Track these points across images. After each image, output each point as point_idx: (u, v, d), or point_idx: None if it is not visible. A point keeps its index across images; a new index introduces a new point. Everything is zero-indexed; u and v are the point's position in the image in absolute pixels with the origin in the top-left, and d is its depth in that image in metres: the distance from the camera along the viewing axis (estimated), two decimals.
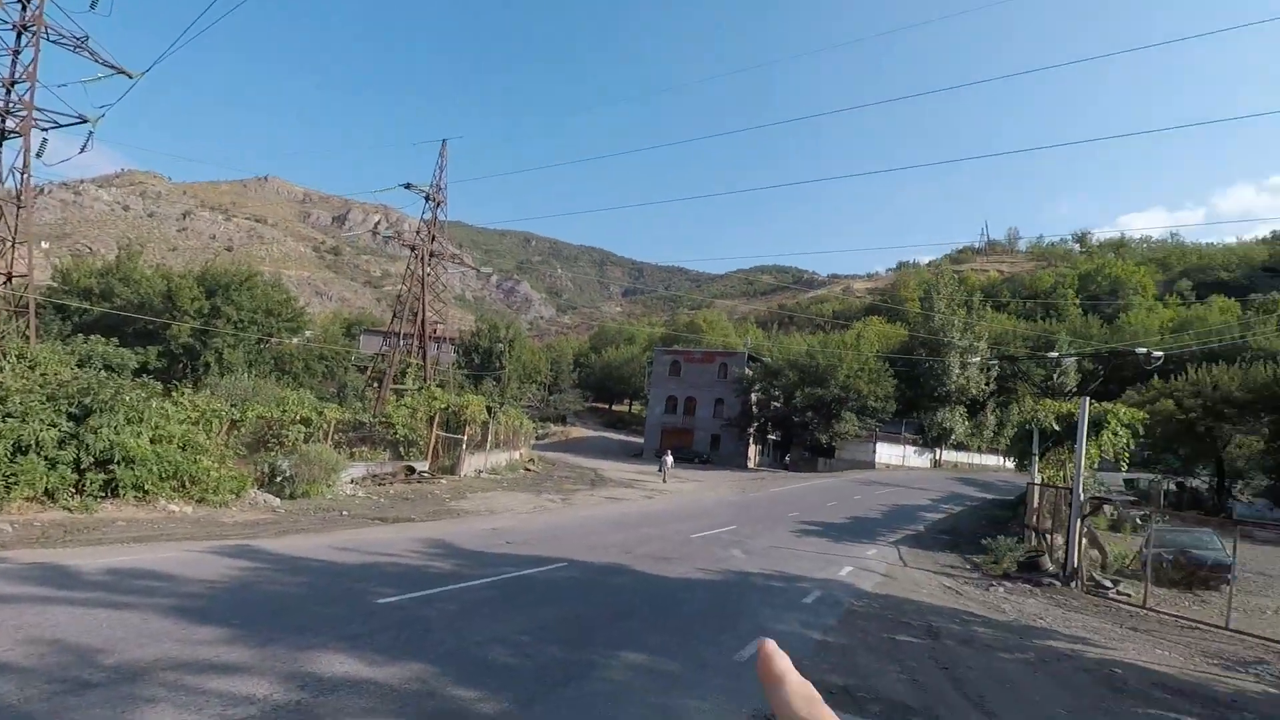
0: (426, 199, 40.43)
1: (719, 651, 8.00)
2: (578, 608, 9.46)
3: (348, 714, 5.29)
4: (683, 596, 11.11)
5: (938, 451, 66.29)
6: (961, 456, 67.77)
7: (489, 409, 31.87)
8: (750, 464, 58.57)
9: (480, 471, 30.24)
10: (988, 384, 67.33)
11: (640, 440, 65.83)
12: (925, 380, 64.97)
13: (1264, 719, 8.26)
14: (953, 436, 65.16)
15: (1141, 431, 22.11)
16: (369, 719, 5.27)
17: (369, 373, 42.88)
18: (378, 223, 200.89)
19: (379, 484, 23.07)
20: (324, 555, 11.64)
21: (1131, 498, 38.78)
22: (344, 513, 17.28)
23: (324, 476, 19.61)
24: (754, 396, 59.33)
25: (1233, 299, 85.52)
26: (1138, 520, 25.28)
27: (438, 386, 37.34)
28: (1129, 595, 16.32)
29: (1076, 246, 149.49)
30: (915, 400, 65.34)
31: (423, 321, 39.72)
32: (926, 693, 7.44)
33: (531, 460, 39.01)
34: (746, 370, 60.47)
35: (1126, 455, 21.69)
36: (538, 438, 62.45)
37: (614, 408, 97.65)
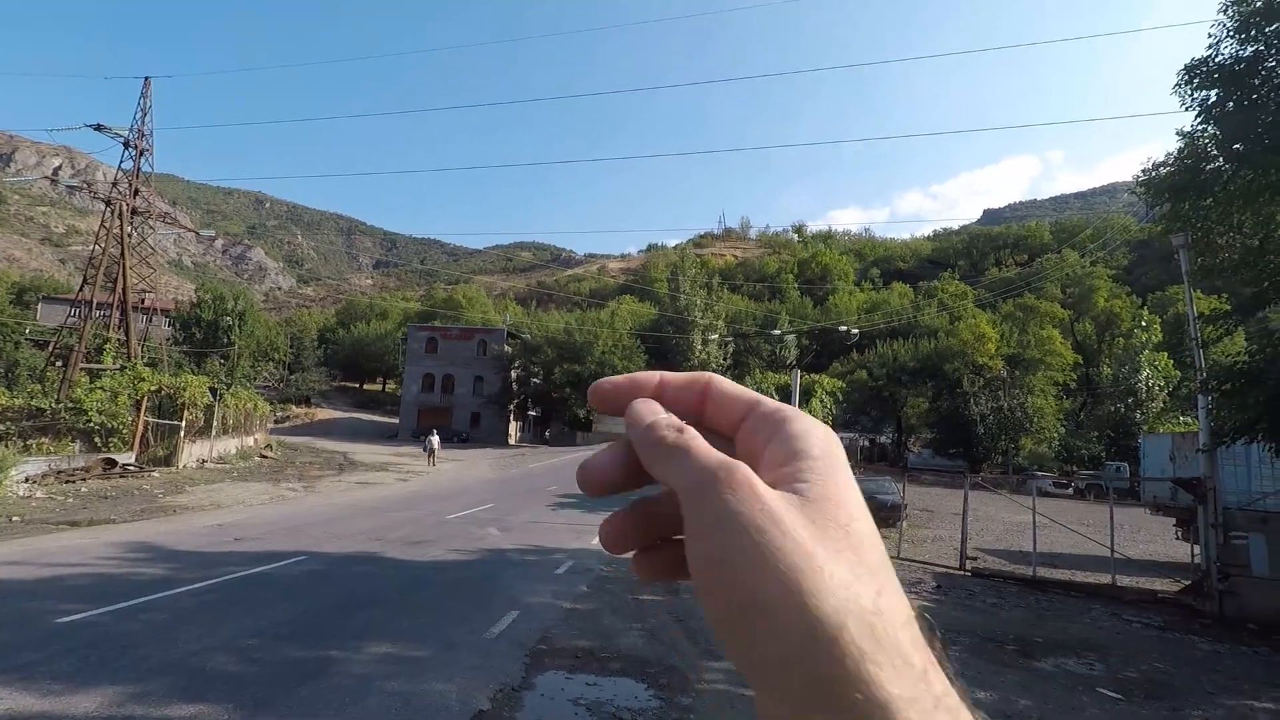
0: (126, 145, 34.16)
1: (469, 630, 7.98)
2: (317, 602, 8.81)
3: None
4: (435, 579, 10.86)
5: None
6: None
7: (214, 390, 28.13)
8: (511, 441, 58.64)
9: (204, 461, 26.70)
10: (725, 359, 74.29)
11: (395, 421, 62.67)
12: (673, 356, 69.88)
13: None
14: None
15: (841, 398, 26.17)
16: None
17: (51, 349, 35.30)
18: (58, 169, 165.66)
19: (66, 481, 19.33)
20: None
21: None
22: (14, 518, 14.24)
23: None
24: (514, 373, 59.35)
25: (908, 285, 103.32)
26: None
27: (147, 365, 31.99)
28: None
29: (795, 236, 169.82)
30: None
31: (124, 289, 33.47)
32: (663, 645, 8.12)
33: (269, 446, 35.26)
34: (506, 347, 60.21)
35: (831, 418, 25.54)
36: (277, 421, 56.57)
37: (366, 387, 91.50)
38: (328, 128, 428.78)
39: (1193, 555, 14.09)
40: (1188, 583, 13.33)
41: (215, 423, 27.95)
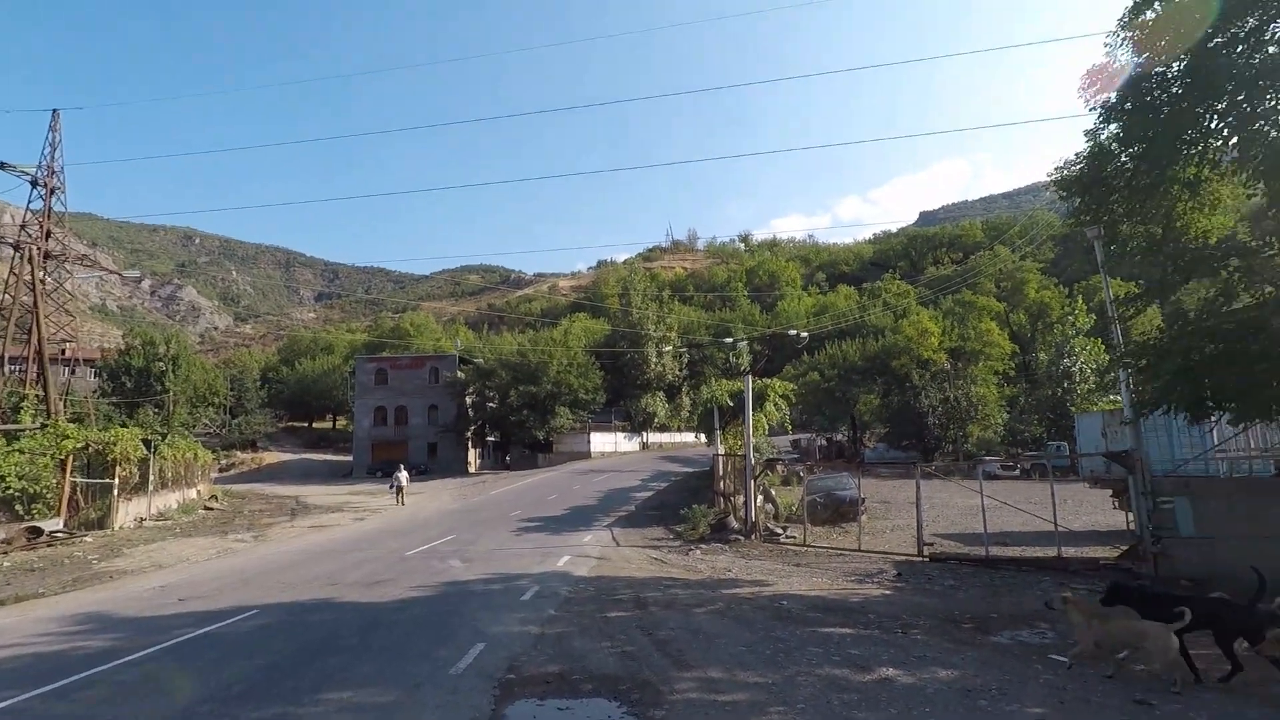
0: (34, 184, 32.78)
1: (434, 668, 7.89)
2: (271, 657, 8.55)
3: None
4: (396, 619, 10.68)
5: (645, 435, 71.99)
6: (665, 437, 74.45)
7: (148, 442, 26.95)
8: (471, 468, 57.80)
9: (143, 520, 25.60)
10: (681, 370, 74.88)
11: (349, 459, 61.16)
12: (628, 370, 70.13)
13: (880, 616, 10.53)
14: (656, 419, 71.37)
15: (794, 400, 26.72)
16: None
17: None
18: None
19: None
20: None
21: (795, 455, 46.25)
22: None
23: None
24: (469, 399, 58.64)
25: (852, 287, 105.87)
26: (799, 474, 30.12)
27: (71, 421, 30.55)
28: (794, 537, 19.48)
29: (742, 245, 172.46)
30: (621, 389, 70.22)
31: (40, 340, 31.85)
32: (634, 660, 8.17)
33: (214, 497, 34.02)
34: (459, 373, 59.49)
35: (788, 420, 26.04)
36: (221, 469, 54.60)
37: (315, 425, 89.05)
38: (258, 157, 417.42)
39: (1128, 523, 14.79)
40: (1125, 548, 13.97)
41: (152, 477, 26.78)
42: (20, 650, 9.31)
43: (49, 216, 33.30)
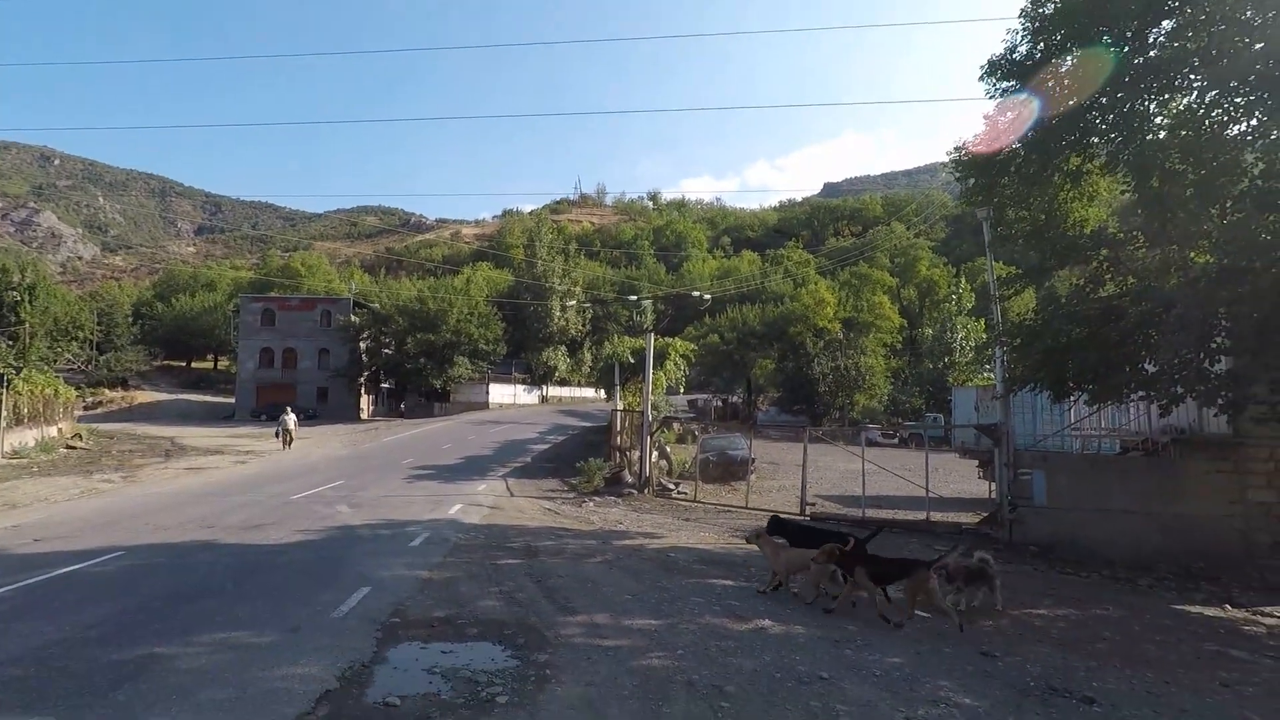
0: None
1: (315, 612, 7.64)
2: (136, 599, 8.04)
3: None
4: (278, 562, 10.26)
5: (545, 388, 71.68)
6: (565, 391, 74.39)
7: (0, 376, 24.49)
8: (363, 415, 55.86)
9: None
10: (584, 325, 74.64)
11: (231, 401, 57.73)
12: (531, 323, 69.26)
13: (760, 570, 11.00)
14: (557, 374, 71.12)
15: (693, 360, 27.36)
16: None
17: None
18: None
19: None
20: None
21: (692, 415, 47.40)
22: None
23: None
24: (363, 345, 56.38)
25: (756, 253, 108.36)
26: (695, 433, 30.89)
27: None
28: (686, 493, 20.04)
29: (650, 204, 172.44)
30: (523, 341, 69.42)
31: None
32: (521, 606, 8.21)
33: (78, 435, 31.33)
34: (353, 317, 56.98)
35: (684, 380, 26.65)
36: (87, 408, 50.48)
37: (194, 365, 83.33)
38: (129, 74, 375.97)
39: (990, 492, 16.11)
40: (986, 515, 15.22)
41: (4, 412, 24.39)
42: None
43: None
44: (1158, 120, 10.59)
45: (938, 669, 6.45)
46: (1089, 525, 12.89)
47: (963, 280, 60.45)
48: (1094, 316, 10.35)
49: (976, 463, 21.10)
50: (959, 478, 23.04)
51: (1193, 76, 9.71)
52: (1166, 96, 10.34)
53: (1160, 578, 11.47)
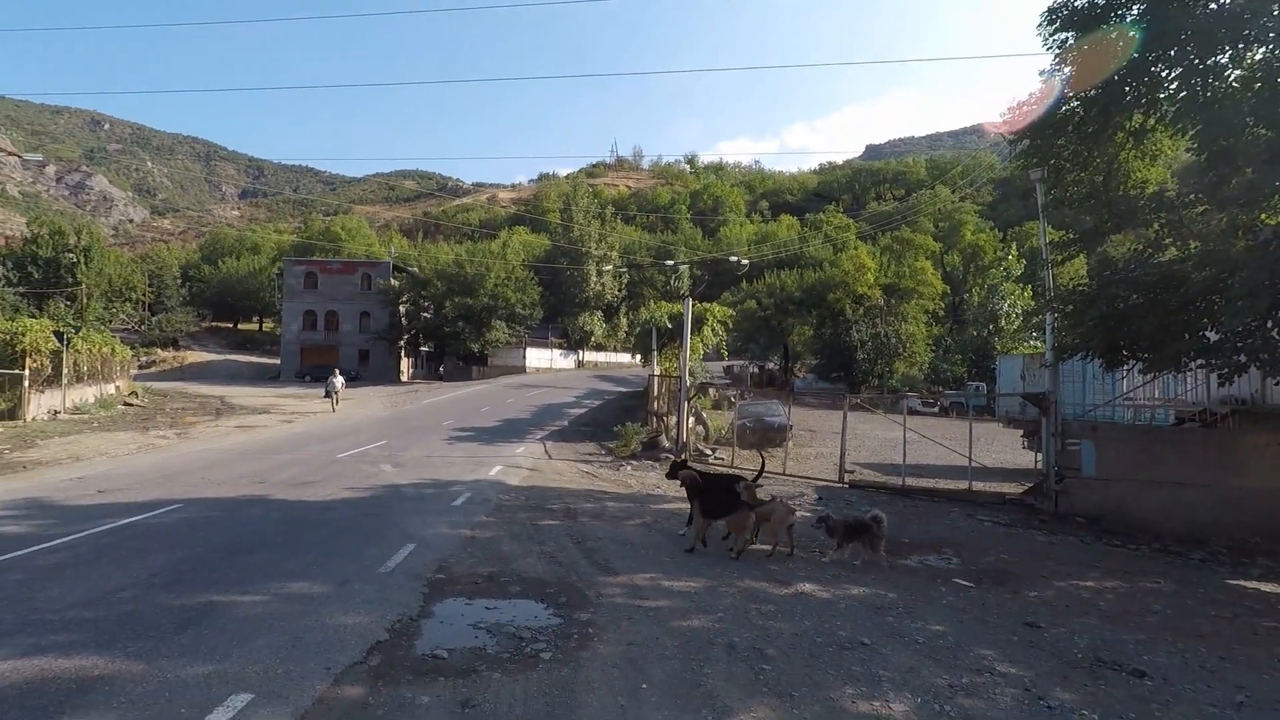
0: None
1: (363, 566, 7.87)
2: (195, 550, 8.39)
3: None
4: (326, 518, 10.58)
5: (581, 353, 72.06)
6: (601, 356, 74.71)
7: (60, 335, 25.50)
8: (404, 377, 57.00)
9: (57, 413, 24.49)
10: (620, 290, 74.53)
11: (277, 362, 59.35)
12: (567, 287, 69.39)
13: (799, 535, 11.00)
14: (593, 338, 71.39)
15: (731, 326, 27.09)
16: None
17: None
18: None
19: None
20: None
21: (728, 381, 47.26)
22: None
23: None
24: (403, 308, 57.23)
25: (795, 217, 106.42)
26: (731, 399, 30.80)
27: None
28: (723, 459, 20.05)
29: (687, 167, 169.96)
30: (559, 306, 69.67)
31: None
32: (562, 566, 8.34)
33: (134, 393, 32.66)
34: (393, 281, 57.77)
35: (724, 346, 26.43)
36: (142, 367, 52.45)
37: (241, 327, 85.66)
38: (177, 38, 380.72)
39: (1035, 462, 15.76)
40: (1030, 485, 14.93)
41: (66, 370, 25.46)
42: None
43: None
44: (1229, 74, 9.96)
45: (981, 638, 6.39)
46: (1139, 497, 12.56)
47: (1012, 246, 58.59)
48: (1153, 282, 9.92)
49: (1020, 432, 20.64)
50: (1000, 448, 22.61)
51: (1268, 25, 9.09)
52: (1241, 47, 9.70)
53: (1213, 551, 11.16)
